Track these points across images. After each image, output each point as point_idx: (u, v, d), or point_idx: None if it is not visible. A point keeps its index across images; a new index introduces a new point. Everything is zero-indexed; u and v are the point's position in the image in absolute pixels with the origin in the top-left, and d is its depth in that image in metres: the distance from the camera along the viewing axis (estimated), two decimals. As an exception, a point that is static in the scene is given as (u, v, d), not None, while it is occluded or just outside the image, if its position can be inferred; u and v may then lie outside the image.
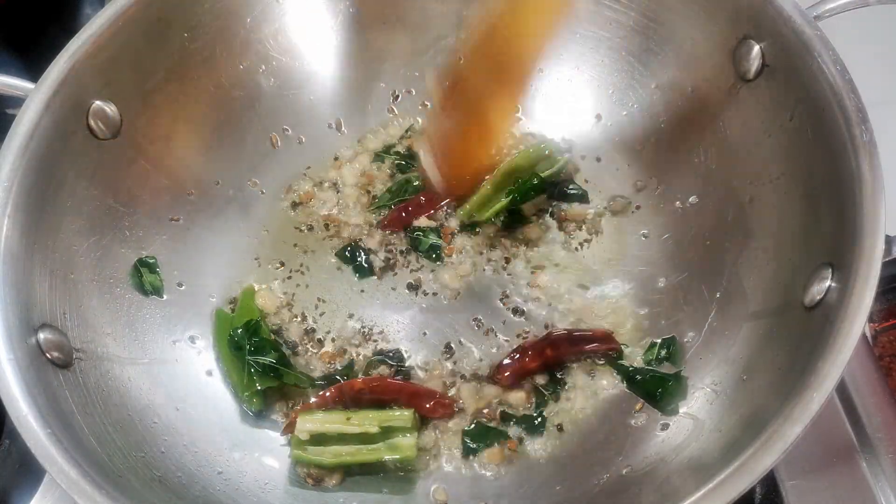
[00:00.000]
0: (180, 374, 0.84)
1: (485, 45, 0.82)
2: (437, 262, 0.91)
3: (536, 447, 0.80)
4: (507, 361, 0.83)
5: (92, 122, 0.80)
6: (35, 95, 0.75)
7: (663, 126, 0.91)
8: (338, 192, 0.97)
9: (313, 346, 0.88)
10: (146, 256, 0.87)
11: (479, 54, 0.83)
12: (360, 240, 0.94)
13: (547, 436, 0.81)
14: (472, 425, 0.81)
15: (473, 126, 0.87)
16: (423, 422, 0.81)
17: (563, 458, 0.80)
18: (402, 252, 0.93)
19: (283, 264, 0.93)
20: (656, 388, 0.79)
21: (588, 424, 0.81)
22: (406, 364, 0.85)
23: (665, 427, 0.76)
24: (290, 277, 0.92)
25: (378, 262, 0.92)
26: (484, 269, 0.90)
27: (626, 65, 0.93)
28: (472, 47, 0.82)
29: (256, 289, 0.91)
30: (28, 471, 0.83)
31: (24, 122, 0.74)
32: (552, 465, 0.79)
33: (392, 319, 0.89)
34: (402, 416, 0.78)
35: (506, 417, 0.81)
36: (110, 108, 0.82)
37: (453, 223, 0.93)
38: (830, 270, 0.65)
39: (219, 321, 0.87)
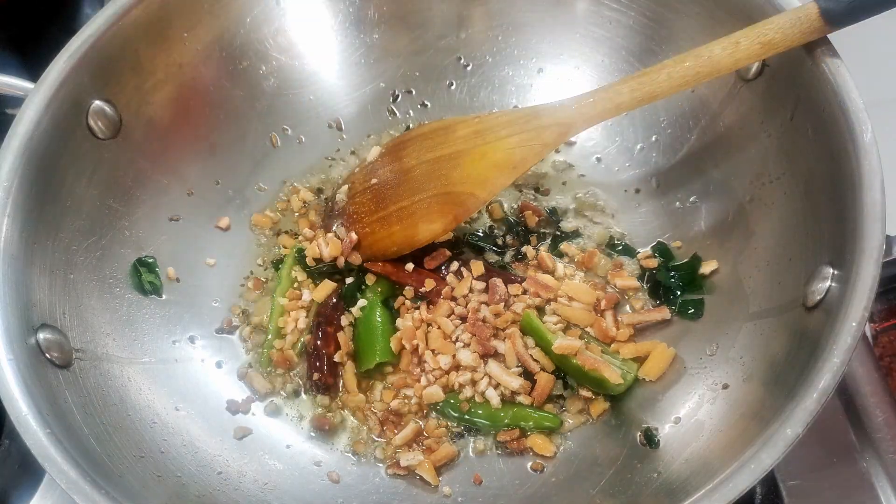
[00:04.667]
0: (180, 374, 0.84)
1: (440, 165, 0.84)
2: None
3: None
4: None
5: (91, 122, 0.80)
6: (34, 95, 0.75)
7: (663, 125, 0.91)
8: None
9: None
10: (145, 256, 0.87)
11: (432, 169, 0.85)
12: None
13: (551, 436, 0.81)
14: None
15: (398, 225, 0.87)
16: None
17: (563, 458, 0.80)
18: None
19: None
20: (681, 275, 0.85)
21: (591, 428, 0.81)
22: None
23: (677, 421, 0.76)
24: (289, 277, 0.92)
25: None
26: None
27: (626, 65, 0.93)
28: (430, 157, 0.85)
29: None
30: (28, 471, 0.83)
31: (24, 121, 0.74)
32: (554, 465, 0.79)
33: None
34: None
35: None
36: (110, 108, 0.82)
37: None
38: (831, 270, 0.65)
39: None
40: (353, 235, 0.88)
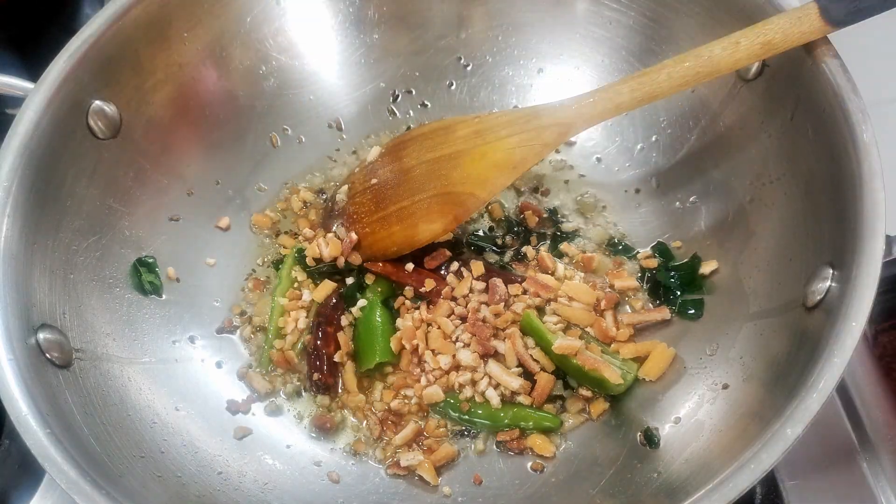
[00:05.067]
0: (180, 374, 0.84)
1: (440, 165, 0.84)
2: None
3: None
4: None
5: (91, 122, 0.80)
6: (35, 95, 0.75)
7: (663, 125, 0.91)
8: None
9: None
10: (145, 256, 0.87)
11: (432, 169, 0.85)
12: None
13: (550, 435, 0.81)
14: None
15: (398, 225, 0.87)
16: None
17: (563, 458, 0.80)
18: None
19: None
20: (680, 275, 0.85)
21: (591, 428, 0.81)
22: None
23: (677, 421, 0.76)
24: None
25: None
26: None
27: (626, 65, 0.93)
28: (429, 157, 0.85)
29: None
30: (28, 471, 0.83)
31: (24, 121, 0.74)
32: (553, 465, 0.79)
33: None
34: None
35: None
36: (110, 108, 0.82)
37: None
38: (831, 270, 0.65)
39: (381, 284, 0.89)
40: (353, 235, 0.88)
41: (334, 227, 0.91)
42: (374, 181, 0.89)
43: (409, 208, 0.86)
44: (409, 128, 0.99)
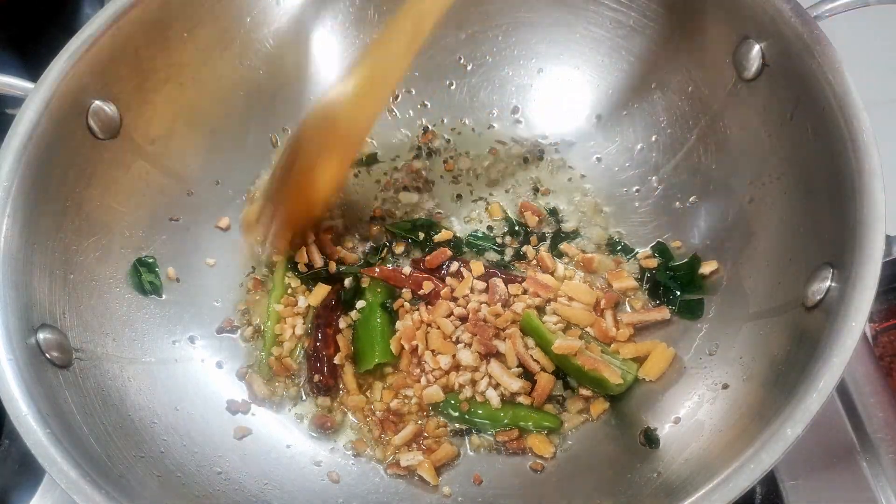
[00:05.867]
0: (180, 374, 0.84)
1: (319, 121, 0.87)
2: None
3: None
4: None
5: (91, 122, 0.80)
6: (34, 95, 0.75)
7: (663, 125, 0.91)
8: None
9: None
10: (145, 256, 0.87)
11: (313, 129, 0.87)
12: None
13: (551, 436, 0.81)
14: None
15: (304, 190, 0.90)
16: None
17: (563, 458, 0.80)
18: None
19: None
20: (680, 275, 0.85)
21: (591, 428, 0.81)
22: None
23: (677, 421, 0.76)
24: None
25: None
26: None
27: (626, 65, 0.93)
28: (308, 124, 0.87)
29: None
30: (28, 471, 0.83)
31: (24, 121, 0.74)
32: (553, 465, 0.79)
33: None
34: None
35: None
36: (110, 108, 0.82)
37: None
38: (831, 270, 0.65)
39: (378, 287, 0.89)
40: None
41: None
42: (279, 166, 0.91)
43: (306, 168, 0.88)
44: (409, 128, 1.00)
